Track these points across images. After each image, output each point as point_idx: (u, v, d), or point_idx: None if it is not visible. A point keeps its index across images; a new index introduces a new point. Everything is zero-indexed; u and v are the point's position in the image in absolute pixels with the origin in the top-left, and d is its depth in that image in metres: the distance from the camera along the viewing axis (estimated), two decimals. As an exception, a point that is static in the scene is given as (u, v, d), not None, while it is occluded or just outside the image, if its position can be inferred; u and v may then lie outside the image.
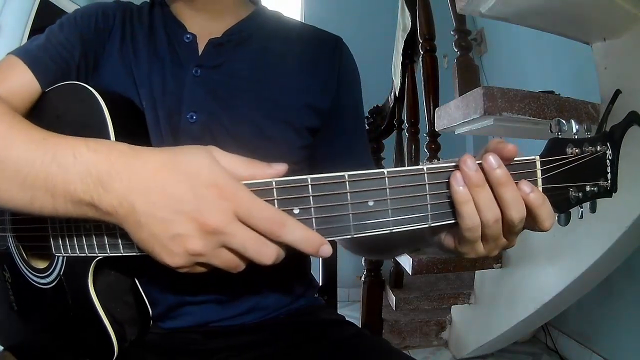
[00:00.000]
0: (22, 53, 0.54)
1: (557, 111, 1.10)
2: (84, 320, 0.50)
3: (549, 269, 1.38)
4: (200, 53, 0.59)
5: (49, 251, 0.50)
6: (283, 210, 0.36)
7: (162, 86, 0.57)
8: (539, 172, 0.39)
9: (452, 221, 0.39)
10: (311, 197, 0.37)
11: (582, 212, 0.42)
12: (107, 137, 0.46)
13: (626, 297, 1.56)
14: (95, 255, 0.46)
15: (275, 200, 0.37)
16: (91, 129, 0.47)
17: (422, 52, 1.69)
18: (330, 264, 0.89)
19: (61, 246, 0.48)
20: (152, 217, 0.35)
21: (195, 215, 0.34)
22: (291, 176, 0.37)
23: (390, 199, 0.37)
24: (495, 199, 0.38)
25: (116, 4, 0.62)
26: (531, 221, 0.39)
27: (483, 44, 2.78)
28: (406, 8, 1.87)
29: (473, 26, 2.69)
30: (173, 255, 0.36)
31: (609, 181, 0.41)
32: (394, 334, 1.85)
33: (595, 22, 1.11)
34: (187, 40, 0.59)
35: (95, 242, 0.45)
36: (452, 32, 1.54)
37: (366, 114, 2.15)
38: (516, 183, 0.38)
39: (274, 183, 0.37)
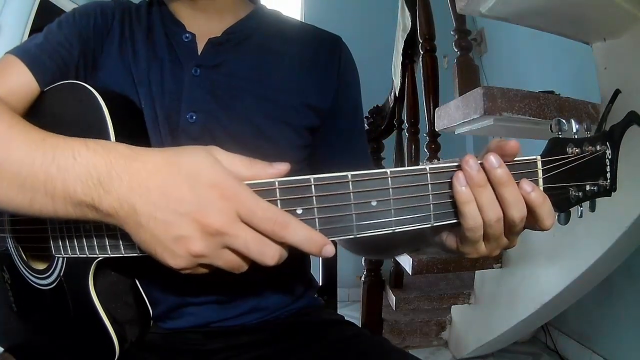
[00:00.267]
0: (20, 52, 0.53)
1: (557, 111, 1.10)
2: (85, 321, 0.50)
3: (549, 269, 1.38)
4: (199, 52, 0.59)
5: (48, 252, 0.50)
6: (286, 210, 0.36)
7: (161, 86, 0.56)
8: (540, 172, 0.40)
9: (454, 221, 0.39)
10: (314, 197, 0.36)
11: (581, 211, 0.42)
12: (107, 137, 0.46)
13: (626, 297, 1.56)
14: (95, 256, 0.45)
15: (278, 201, 0.36)
16: (91, 128, 0.47)
17: (422, 52, 1.69)
18: (330, 264, 0.89)
19: (61, 247, 0.48)
20: (153, 219, 0.35)
21: (197, 217, 0.34)
22: (293, 176, 0.37)
23: (393, 198, 0.37)
24: (497, 198, 0.38)
25: (115, 3, 0.62)
26: (532, 220, 0.39)
27: (483, 44, 2.77)
28: (406, 8, 1.87)
29: (473, 26, 2.69)
30: (175, 257, 0.35)
31: (609, 180, 0.42)
32: (394, 334, 1.85)
33: (595, 22, 1.11)
34: (186, 40, 0.59)
35: (95, 243, 0.44)
36: (452, 32, 1.54)
37: (366, 114, 2.15)
38: (517, 182, 0.38)
39: (276, 183, 0.36)
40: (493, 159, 0.37)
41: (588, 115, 1.13)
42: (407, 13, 1.86)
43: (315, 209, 0.37)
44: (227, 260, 0.36)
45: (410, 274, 1.48)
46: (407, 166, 0.39)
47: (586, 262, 1.22)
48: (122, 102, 0.54)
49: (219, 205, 0.34)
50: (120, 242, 0.43)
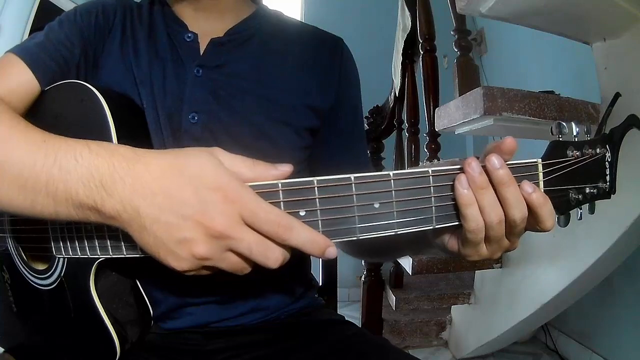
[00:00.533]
0: (20, 51, 0.53)
1: (557, 111, 1.09)
2: (86, 321, 0.50)
3: (549, 269, 1.38)
4: (201, 52, 0.59)
5: (49, 252, 0.50)
6: (289, 212, 0.36)
7: (162, 86, 0.56)
8: (540, 175, 0.40)
9: (456, 223, 0.39)
10: (317, 199, 0.36)
11: (581, 213, 0.43)
12: (109, 137, 0.45)
13: (626, 297, 1.56)
14: (97, 256, 0.45)
15: (282, 203, 0.36)
16: (92, 128, 0.47)
17: (422, 52, 1.69)
18: (330, 264, 0.89)
19: (62, 248, 0.48)
20: (157, 221, 0.34)
21: (201, 219, 0.34)
22: (294, 177, 0.37)
23: (395, 201, 0.37)
24: (498, 199, 0.38)
25: (116, 1, 0.61)
26: (533, 221, 0.39)
27: (483, 44, 2.78)
28: (406, 8, 1.87)
29: (473, 26, 2.69)
30: (179, 260, 0.35)
31: (608, 183, 0.42)
32: (394, 334, 1.85)
33: (595, 22, 1.11)
34: (188, 40, 0.59)
35: (97, 244, 0.44)
36: (452, 32, 1.54)
37: (366, 114, 2.15)
38: (518, 185, 0.38)
39: (279, 185, 0.36)
40: (495, 160, 0.37)
41: (588, 116, 1.13)
42: (407, 13, 1.86)
43: (318, 211, 0.37)
44: (231, 263, 0.36)
45: (410, 274, 1.48)
46: (407, 166, 0.39)
47: (586, 263, 1.22)
48: (123, 102, 0.54)
49: (222, 208, 0.34)
50: (122, 243, 0.42)
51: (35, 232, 0.50)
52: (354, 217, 0.37)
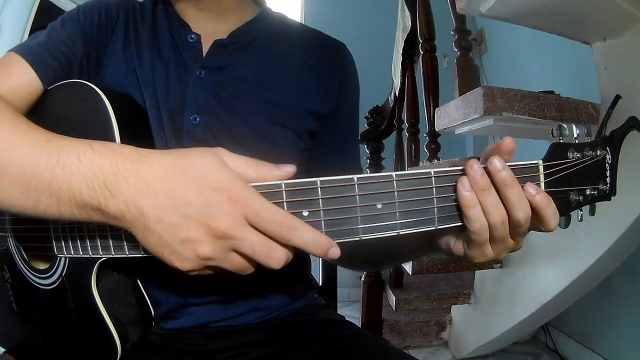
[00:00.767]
0: (23, 50, 0.53)
1: (557, 111, 1.10)
2: (87, 321, 0.50)
3: (549, 269, 1.38)
4: (204, 54, 0.59)
5: (50, 252, 0.50)
6: (292, 212, 0.36)
7: (165, 86, 0.56)
8: (541, 176, 0.40)
9: (458, 224, 0.39)
10: (320, 200, 0.37)
11: (581, 215, 0.43)
12: (112, 137, 0.45)
13: (626, 297, 1.56)
14: (99, 256, 0.45)
15: (285, 203, 0.36)
16: (95, 128, 0.47)
17: (422, 52, 1.69)
18: (330, 264, 0.89)
19: (64, 247, 0.48)
20: (160, 222, 0.35)
21: (205, 220, 0.34)
22: (295, 179, 0.37)
23: (398, 201, 0.38)
24: (501, 200, 0.38)
25: (119, 1, 0.61)
26: (537, 222, 0.40)
27: (483, 44, 2.78)
28: (406, 8, 1.87)
29: (473, 26, 2.69)
30: (183, 260, 0.35)
31: (608, 185, 0.42)
32: (394, 334, 1.85)
33: (595, 22, 1.11)
34: (191, 41, 0.59)
35: (99, 243, 0.44)
36: (452, 32, 1.54)
37: (366, 114, 2.15)
38: (522, 186, 0.38)
39: (283, 185, 0.37)
40: (497, 162, 0.37)
41: (588, 116, 1.13)
42: (407, 13, 1.86)
43: (322, 212, 0.37)
44: (234, 263, 0.36)
45: (410, 274, 1.48)
46: (407, 166, 0.39)
47: (586, 263, 1.22)
48: (126, 103, 0.54)
49: (226, 208, 0.34)
50: (125, 243, 0.43)
51: (37, 232, 0.50)
52: (356, 218, 0.37)
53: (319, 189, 0.36)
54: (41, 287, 0.53)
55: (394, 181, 0.37)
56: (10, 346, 0.61)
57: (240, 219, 0.34)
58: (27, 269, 0.55)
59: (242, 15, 0.63)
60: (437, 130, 1.43)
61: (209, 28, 0.60)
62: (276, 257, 0.35)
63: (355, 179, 0.37)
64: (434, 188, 0.38)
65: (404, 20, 1.91)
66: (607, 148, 0.42)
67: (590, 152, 0.41)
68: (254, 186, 0.36)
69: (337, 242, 0.37)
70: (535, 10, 1.07)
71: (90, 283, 0.48)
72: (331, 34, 0.68)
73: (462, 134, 1.33)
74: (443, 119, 1.32)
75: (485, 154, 0.40)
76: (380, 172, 0.39)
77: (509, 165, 0.38)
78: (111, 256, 0.44)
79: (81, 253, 0.47)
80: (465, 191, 0.37)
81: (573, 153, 0.41)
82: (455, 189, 0.38)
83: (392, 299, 1.86)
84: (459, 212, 0.39)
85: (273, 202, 0.36)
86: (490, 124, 1.12)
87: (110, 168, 0.35)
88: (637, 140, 0.48)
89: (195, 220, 0.34)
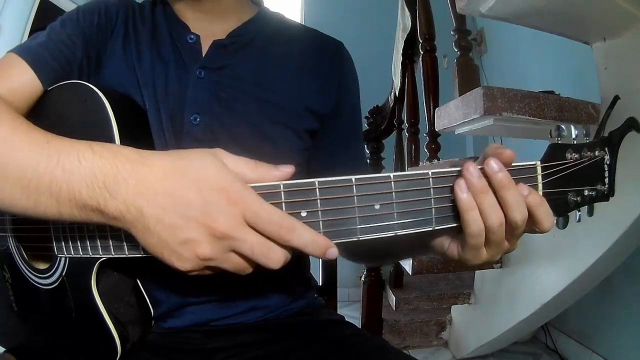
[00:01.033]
0: (22, 51, 0.53)
1: (557, 111, 1.10)
2: (87, 321, 0.50)
3: (549, 269, 1.38)
4: (203, 54, 0.59)
5: (50, 252, 0.50)
6: (291, 213, 0.36)
7: (165, 87, 0.57)
8: (539, 177, 0.40)
9: (455, 225, 0.40)
10: (319, 200, 0.37)
11: (579, 215, 0.43)
12: (112, 138, 0.46)
13: (626, 297, 1.56)
14: (99, 256, 0.46)
15: (283, 203, 0.37)
16: (95, 129, 0.47)
17: (422, 52, 1.69)
18: (330, 264, 0.89)
19: (64, 247, 0.48)
20: (160, 222, 0.35)
21: (205, 220, 0.34)
22: (294, 179, 0.37)
23: (395, 202, 0.38)
24: (498, 202, 0.38)
25: (119, 1, 0.61)
26: (531, 223, 0.40)
27: (483, 44, 2.78)
28: (406, 8, 1.87)
29: (473, 26, 2.69)
30: (183, 260, 0.36)
31: (607, 185, 0.42)
32: (394, 334, 1.85)
33: (595, 22, 1.11)
34: (190, 41, 0.59)
35: (99, 243, 0.45)
36: (452, 32, 1.54)
37: (366, 114, 2.15)
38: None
39: (281, 186, 0.37)
40: (494, 164, 0.37)
41: (588, 116, 1.13)
42: (407, 13, 1.86)
43: (320, 212, 0.37)
44: (233, 263, 0.37)
45: (410, 274, 1.48)
46: (407, 166, 0.40)
47: (586, 263, 1.22)
48: (126, 103, 0.54)
49: (225, 209, 0.34)
50: (124, 243, 0.43)
51: (37, 232, 0.51)
52: (354, 218, 0.37)
53: (317, 189, 0.37)
54: (41, 287, 0.54)
55: (392, 182, 0.37)
56: (11, 346, 0.61)
57: (240, 219, 0.35)
58: (27, 269, 0.55)
59: (240, 16, 0.63)
60: (437, 130, 1.43)
61: (208, 28, 0.60)
62: (275, 258, 0.36)
63: (354, 180, 0.37)
64: (431, 189, 0.38)
65: (404, 20, 1.91)
66: (606, 149, 0.42)
67: (589, 152, 0.41)
68: (252, 187, 0.36)
69: (335, 242, 0.37)
70: (535, 10, 1.07)
71: (90, 283, 0.48)
72: (331, 34, 0.68)
73: (462, 134, 1.33)
74: (443, 119, 1.32)
75: (485, 155, 0.40)
76: (380, 172, 0.39)
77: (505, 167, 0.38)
78: (111, 256, 0.45)
79: (81, 253, 0.47)
80: (463, 194, 0.37)
81: (571, 154, 0.41)
82: (452, 190, 0.38)
83: (392, 299, 1.86)
84: (455, 212, 0.39)
85: (272, 203, 0.36)
86: (490, 124, 1.12)
87: (110, 169, 0.35)
88: (636, 140, 0.48)
89: (195, 221, 0.34)
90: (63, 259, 0.50)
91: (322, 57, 0.65)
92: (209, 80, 0.57)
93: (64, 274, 0.50)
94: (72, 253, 0.47)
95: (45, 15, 2.06)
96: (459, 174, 0.38)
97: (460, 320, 1.85)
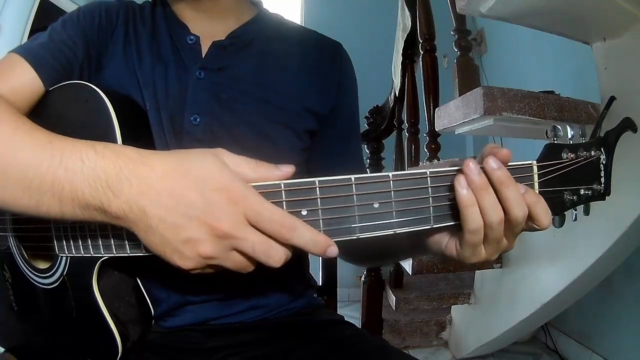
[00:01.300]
0: (24, 51, 0.53)
1: (557, 111, 1.10)
2: (88, 320, 0.50)
3: (549, 269, 1.38)
4: (203, 55, 0.59)
5: (51, 251, 0.50)
6: (291, 211, 0.37)
7: (165, 88, 0.57)
8: (535, 176, 0.41)
9: (453, 223, 0.40)
10: (319, 199, 0.37)
11: (576, 214, 0.43)
12: (114, 138, 0.46)
13: (626, 297, 1.56)
14: (100, 255, 0.46)
15: (284, 202, 0.37)
16: (96, 129, 0.47)
17: (422, 52, 1.69)
18: (330, 264, 0.89)
19: (65, 247, 0.48)
20: (163, 222, 0.35)
21: (207, 220, 0.35)
22: (294, 179, 0.38)
23: (394, 201, 0.38)
24: (499, 199, 0.38)
25: (118, 2, 0.62)
26: (529, 221, 0.40)
27: (483, 44, 2.78)
28: (406, 8, 1.87)
29: (473, 26, 2.69)
30: (185, 259, 0.36)
31: (603, 185, 0.43)
32: (394, 334, 1.85)
33: (595, 22, 1.11)
34: (190, 42, 0.59)
35: (100, 242, 0.45)
36: (452, 32, 1.54)
37: (366, 114, 2.15)
38: None
39: (282, 185, 0.37)
40: (492, 162, 0.38)
41: (588, 116, 1.13)
42: (407, 13, 1.86)
43: (320, 211, 0.37)
44: (235, 262, 0.37)
45: (410, 274, 1.48)
46: (407, 166, 0.40)
47: (586, 262, 1.22)
48: (127, 103, 0.55)
49: (227, 208, 0.35)
50: (126, 242, 0.43)
51: (38, 231, 0.51)
52: (354, 217, 0.38)
53: (317, 188, 0.37)
54: (42, 286, 0.54)
55: (391, 181, 0.38)
56: (11, 345, 0.61)
57: (241, 218, 0.35)
58: (27, 269, 0.55)
59: (240, 17, 0.63)
60: (437, 130, 1.43)
61: (208, 29, 0.60)
62: (276, 256, 0.36)
63: (353, 179, 0.37)
64: (429, 188, 0.39)
65: (404, 20, 1.92)
66: (602, 149, 0.43)
67: (585, 152, 0.42)
68: (253, 186, 0.37)
69: (335, 241, 0.37)
70: (535, 10, 1.08)
71: (92, 282, 0.48)
72: (331, 34, 0.69)
73: (462, 134, 1.33)
74: (443, 119, 1.32)
75: (483, 154, 0.40)
76: (380, 172, 0.39)
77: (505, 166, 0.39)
78: (112, 255, 0.45)
79: (82, 252, 0.47)
80: (463, 189, 0.38)
81: (567, 154, 0.41)
82: (451, 188, 0.39)
83: (392, 299, 1.86)
84: (455, 211, 0.39)
85: (272, 202, 0.36)
86: (490, 124, 1.12)
87: (112, 169, 0.36)
88: (636, 140, 0.48)
89: (197, 220, 0.35)
90: (64, 258, 0.50)
91: (322, 57, 0.65)
92: (209, 80, 0.58)
93: (64, 273, 0.50)
94: (74, 252, 0.48)
95: (45, 15, 2.06)
96: (458, 172, 0.38)
97: (460, 320, 1.85)
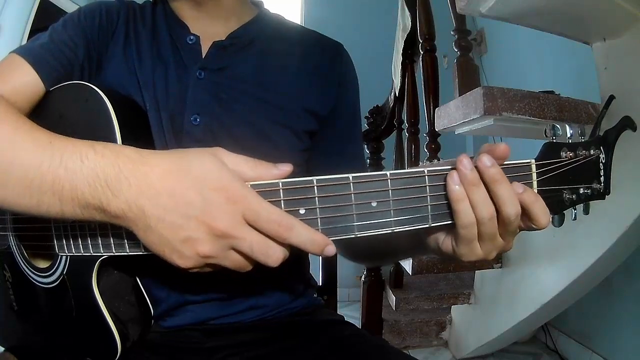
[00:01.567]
0: (25, 52, 0.53)
1: (557, 111, 1.10)
2: (87, 319, 0.50)
3: (549, 269, 1.38)
4: (203, 55, 0.59)
5: (51, 251, 0.50)
6: (289, 210, 0.37)
7: (165, 88, 0.57)
8: (534, 175, 0.41)
9: (451, 222, 0.40)
10: (317, 198, 0.37)
11: (575, 213, 0.43)
12: (114, 138, 0.46)
13: (626, 297, 1.56)
14: (100, 254, 0.46)
15: (282, 201, 0.37)
16: (96, 129, 0.47)
17: (422, 52, 1.69)
18: (330, 264, 0.89)
19: (65, 246, 0.48)
20: (162, 221, 0.35)
21: (205, 219, 0.35)
22: (295, 178, 0.38)
23: (392, 199, 0.38)
24: (491, 197, 0.39)
25: (119, 3, 0.62)
26: (527, 220, 0.40)
27: (483, 44, 2.78)
28: (406, 8, 1.87)
29: (473, 26, 2.69)
30: (184, 258, 0.37)
31: (602, 184, 0.43)
32: (394, 334, 1.85)
33: (595, 22, 1.11)
34: (190, 42, 0.59)
35: (100, 241, 0.45)
36: (452, 32, 1.54)
37: (366, 114, 2.15)
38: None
39: (280, 184, 0.37)
40: (485, 159, 0.38)
41: (588, 116, 1.13)
42: (407, 13, 1.86)
43: (318, 209, 0.38)
44: (233, 261, 0.37)
45: (410, 274, 1.48)
46: (407, 166, 0.40)
47: (586, 262, 1.22)
48: (127, 103, 0.55)
49: (225, 208, 0.35)
50: (126, 241, 0.43)
51: (38, 230, 0.51)
52: (352, 216, 0.38)
53: (315, 187, 0.37)
54: (42, 285, 0.54)
55: (388, 179, 0.38)
56: (11, 345, 0.61)
57: (239, 218, 0.35)
58: (27, 268, 0.55)
59: (240, 17, 0.63)
60: (437, 130, 1.43)
61: (208, 29, 0.60)
62: (274, 256, 0.36)
63: (351, 178, 0.38)
64: (427, 186, 0.39)
65: (404, 20, 1.92)
66: (601, 147, 0.42)
67: (584, 151, 0.42)
68: (252, 185, 0.37)
69: (335, 241, 0.37)
70: (535, 10, 1.08)
71: (91, 281, 0.48)
72: (331, 34, 0.69)
73: (462, 134, 1.33)
74: (443, 119, 1.32)
75: (479, 153, 0.40)
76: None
77: (502, 164, 0.39)
78: (112, 254, 0.45)
79: (82, 251, 0.47)
80: (454, 185, 0.38)
81: (566, 152, 0.41)
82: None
83: (392, 299, 1.86)
84: (451, 209, 0.39)
85: (271, 201, 0.37)
86: (490, 124, 1.12)
87: (112, 168, 0.36)
88: (636, 140, 0.48)
89: (195, 220, 0.35)
90: (64, 257, 0.50)
91: (322, 58, 0.65)
92: (209, 81, 0.58)
93: (64, 272, 0.50)
94: (74, 251, 0.48)
95: (45, 15, 2.06)
96: (453, 169, 0.39)
97: (460, 320, 1.85)
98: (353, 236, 0.38)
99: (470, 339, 1.76)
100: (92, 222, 0.40)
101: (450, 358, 1.84)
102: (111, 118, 0.46)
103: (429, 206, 0.39)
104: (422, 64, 1.70)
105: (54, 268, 0.52)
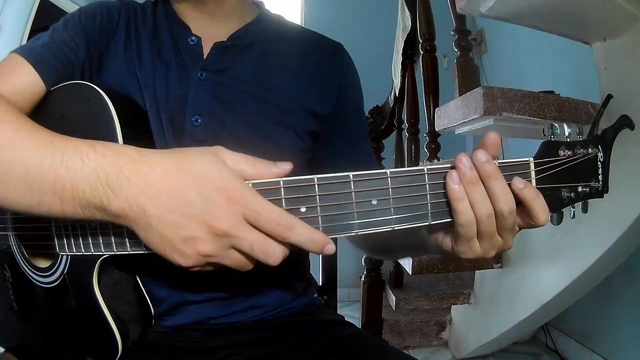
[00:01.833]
0: (25, 52, 0.53)
1: (557, 111, 1.10)
2: (88, 319, 0.50)
3: (549, 269, 1.38)
4: (204, 56, 0.59)
5: (52, 250, 0.50)
6: (291, 208, 0.37)
7: (165, 89, 0.57)
8: (532, 173, 0.41)
9: (451, 220, 0.40)
10: (317, 196, 0.38)
11: (574, 212, 0.44)
12: (115, 138, 0.46)
13: (626, 297, 1.56)
14: (101, 253, 0.46)
15: (283, 199, 0.38)
16: (97, 128, 0.47)
17: (422, 52, 1.69)
18: (330, 264, 0.89)
19: (65, 245, 0.48)
20: (162, 220, 0.36)
21: (205, 219, 0.35)
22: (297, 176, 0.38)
23: (392, 198, 0.39)
24: (487, 194, 0.39)
25: (120, 3, 0.62)
26: (526, 217, 0.40)
27: (483, 44, 2.78)
28: (406, 8, 1.87)
29: (473, 26, 2.69)
30: (185, 257, 0.37)
31: (601, 182, 0.43)
32: (394, 334, 1.85)
33: (595, 22, 1.11)
34: (191, 43, 0.59)
35: (101, 240, 0.45)
36: (452, 32, 1.54)
37: (366, 114, 2.15)
38: (509, 182, 0.39)
39: (281, 182, 0.38)
40: (481, 155, 0.38)
41: (588, 116, 1.13)
42: (407, 13, 1.86)
43: (318, 208, 0.38)
44: (234, 260, 0.38)
45: (410, 274, 1.48)
46: (407, 166, 0.40)
47: (586, 262, 1.22)
48: (127, 103, 0.55)
49: (225, 208, 0.35)
50: (126, 240, 0.43)
51: (38, 230, 0.51)
52: (352, 214, 0.38)
53: (316, 185, 0.38)
54: (42, 285, 0.54)
55: (389, 178, 0.38)
56: (11, 345, 0.61)
57: (239, 217, 0.36)
58: (28, 268, 0.55)
59: (241, 18, 0.63)
60: (437, 130, 1.43)
61: (209, 30, 0.60)
62: (274, 255, 0.37)
63: (351, 176, 0.38)
64: (427, 185, 0.39)
65: (404, 20, 1.92)
66: (599, 146, 0.43)
67: (582, 150, 0.42)
68: (253, 183, 0.37)
69: (333, 237, 0.38)
70: (535, 10, 1.08)
71: (92, 281, 0.48)
72: (331, 35, 0.69)
73: (462, 134, 1.33)
74: (443, 119, 1.32)
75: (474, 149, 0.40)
76: (379, 172, 0.40)
77: (501, 163, 0.39)
78: (113, 253, 0.45)
79: (83, 250, 0.47)
80: (454, 184, 0.38)
81: (564, 151, 0.41)
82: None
83: (392, 299, 1.86)
84: (450, 207, 0.39)
85: (272, 199, 0.37)
86: (490, 124, 1.12)
87: (112, 168, 0.36)
88: (635, 140, 0.48)
89: (196, 219, 0.35)
90: (64, 257, 0.50)
91: (322, 59, 0.65)
92: (210, 81, 0.58)
93: (65, 272, 0.50)
94: (74, 250, 0.48)
95: (45, 15, 2.06)
96: (453, 168, 0.39)
97: (460, 320, 1.85)
98: (353, 234, 0.39)
99: (470, 339, 1.76)
100: (93, 221, 0.40)
101: (450, 358, 1.84)
102: (113, 118, 0.46)
103: (429, 204, 0.39)
104: (422, 64, 1.70)
105: (55, 268, 0.52)
